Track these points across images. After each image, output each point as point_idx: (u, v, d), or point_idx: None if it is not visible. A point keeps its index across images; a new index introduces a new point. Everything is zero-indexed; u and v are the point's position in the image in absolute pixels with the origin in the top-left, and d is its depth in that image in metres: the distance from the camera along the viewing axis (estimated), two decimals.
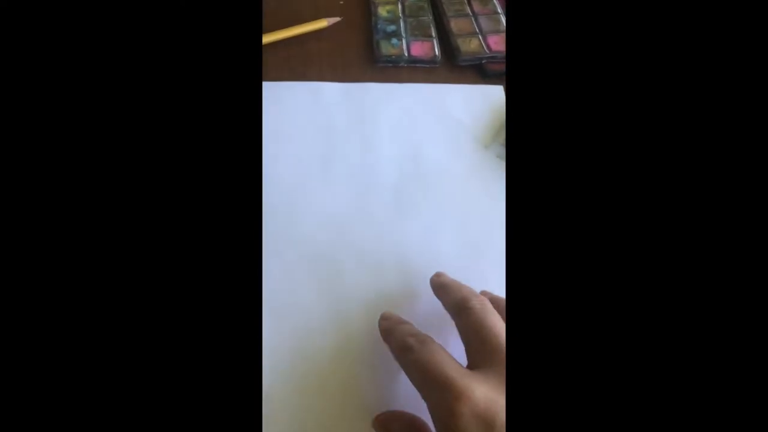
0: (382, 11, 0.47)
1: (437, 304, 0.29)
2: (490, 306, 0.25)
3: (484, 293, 0.30)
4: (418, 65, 0.44)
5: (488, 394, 0.20)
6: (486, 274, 0.32)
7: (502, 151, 0.38)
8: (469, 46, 0.44)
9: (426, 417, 0.22)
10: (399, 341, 0.25)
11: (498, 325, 0.24)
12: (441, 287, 0.28)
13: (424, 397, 0.22)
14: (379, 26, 0.46)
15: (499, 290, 0.31)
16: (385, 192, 0.35)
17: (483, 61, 0.43)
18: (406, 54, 0.44)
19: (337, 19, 0.46)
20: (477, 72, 0.44)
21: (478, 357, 0.23)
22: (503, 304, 0.27)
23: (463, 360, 0.24)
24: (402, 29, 0.46)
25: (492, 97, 0.41)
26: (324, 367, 0.28)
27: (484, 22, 0.46)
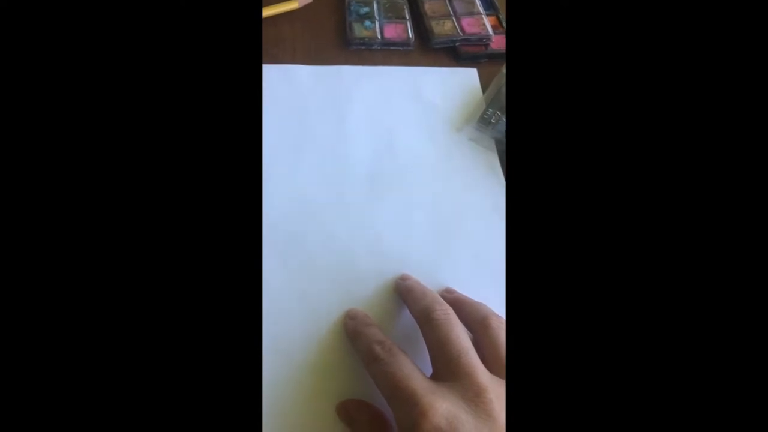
0: None
1: None
2: (453, 317, 0.25)
3: (448, 291, 0.30)
4: (391, 48, 0.43)
5: (450, 410, 0.21)
6: (457, 257, 0.32)
7: (475, 134, 0.38)
8: (443, 28, 0.44)
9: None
10: (366, 349, 0.25)
11: (461, 337, 0.24)
12: (406, 292, 0.29)
13: (391, 407, 0.23)
14: (352, 8, 0.45)
15: (470, 274, 0.31)
16: (357, 176, 0.35)
17: (457, 44, 0.43)
18: (380, 36, 0.43)
19: (309, 0, 0.45)
20: (450, 54, 0.43)
21: (442, 370, 0.24)
22: (468, 307, 0.27)
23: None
24: (375, 11, 0.45)
25: (465, 80, 0.41)
26: (294, 354, 0.28)
27: (458, 5, 0.46)
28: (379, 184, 0.35)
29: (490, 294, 0.29)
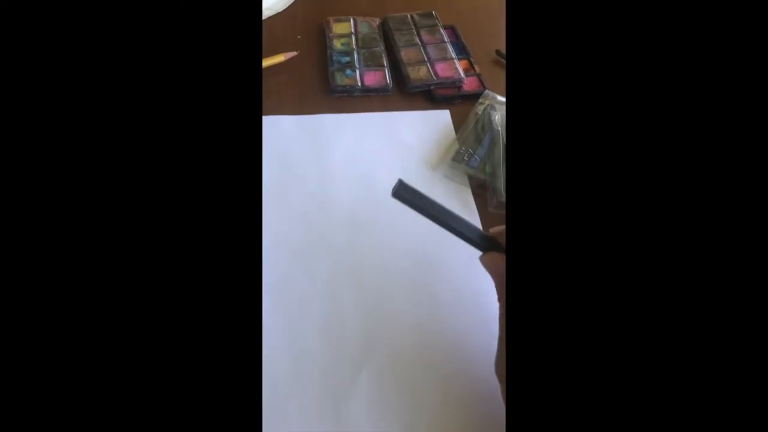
0: (337, 44, 0.50)
1: (395, 320, 0.31)
2: None
3: None
4: (371, 94, 0.47)
5: None
6: (439, 291, 0.34)
7: (450, 171, 0.40)
8: (419, 73, 0.47)
9: None
10: None
11: None
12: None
13: None
14: (334, 58, 0.49)
15: (450, 308, 0.33)
16: (339, 218, 0.37)
17: (431, 87, 0.47)
18: (360, 84, 0.46)
19: (294, 53, 0.49)
20: (426, 97, 0.47)
21: None
22: None
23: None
24: (356, 60, 0.49)
25: (439, 121, 0.44)
26: (275, 393, 0.30)
27: (432, 51, 0.49)
28: (360, 225, 0.37)
29: (470, 325, 0.31)
